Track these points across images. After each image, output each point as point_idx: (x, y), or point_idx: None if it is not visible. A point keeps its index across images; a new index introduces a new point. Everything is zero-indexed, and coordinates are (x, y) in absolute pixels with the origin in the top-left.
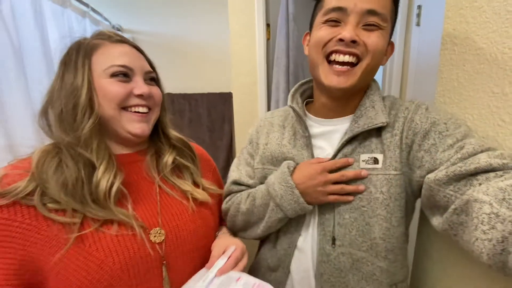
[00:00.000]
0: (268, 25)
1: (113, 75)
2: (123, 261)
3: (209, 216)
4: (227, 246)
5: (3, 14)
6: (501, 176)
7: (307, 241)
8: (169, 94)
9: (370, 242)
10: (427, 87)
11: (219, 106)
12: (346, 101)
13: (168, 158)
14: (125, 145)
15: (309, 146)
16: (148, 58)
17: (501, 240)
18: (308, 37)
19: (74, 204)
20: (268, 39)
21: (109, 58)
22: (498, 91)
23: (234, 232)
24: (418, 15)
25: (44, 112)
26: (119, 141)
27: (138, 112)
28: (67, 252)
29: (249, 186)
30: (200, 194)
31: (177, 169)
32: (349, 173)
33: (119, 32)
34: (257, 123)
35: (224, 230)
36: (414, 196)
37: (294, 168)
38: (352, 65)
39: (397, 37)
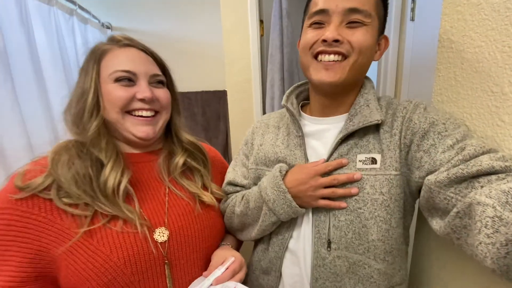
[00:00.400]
0: (261, 22)
1: (117, 80)
2: (126, 257)
3: (215, 219)
4: (226, 257)
5: None
6: (503, 178)
7: (299, 243)
8: None
9: (367, 245)
10: (422, 83)
11: (213, 104)
12: (340, 98)
13: (179, 160)
14: (134, 146)
15: (302, 145)
16: (159, 60)
17: (505, 244)
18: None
19: (85, 197)
20: (261, 36)
21: (115, 63)
22: (497, 91)
23: (233, 233)
24: (413, 10)
25: (65, 112)
26: (127, 142)
27: (142, 116)
28: (77, 245)
29: (243, 187)
30: (207, 197)
31: (188, 170)
32: (341, 176)
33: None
34: (254, 124)
35: (228, 240)
36: (412, 197)
37: (287, 171)
38: (340, 62)
39: (392, 32)
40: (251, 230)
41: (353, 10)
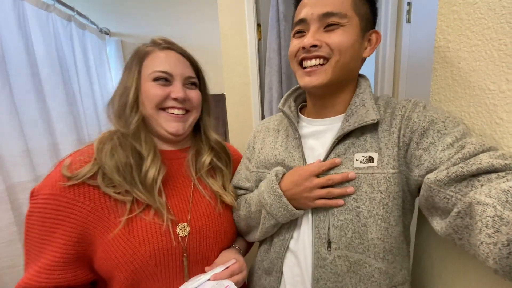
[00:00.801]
0: (259, 25)
1: (155, 79)
2: (152, 250)
3: (233, 219)
4: (230, 258)
5: None
6: (503, 177)
7: (300, 244)
8: None
9: (367, 243)
10: (420, 83)
11: (212, 107)
12: (332, 99)
13: (206, 159)
14: (166, 142)
15: (299, 147)
16: (194, 64)
17: (507, 244)
18: None
19: (125, 184)
20: (259, 40)
21: (155, 64)
22: (495, 88)
23: (241, 234)
24: (409, 12)
25: (108, 105)
26: (161, 138)
27: (174, 113)
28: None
29: (247, 190)
30: (228, 198)
31: (212, 169)
32: (335, 176)
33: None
34: (255, 128)
35: (238, 243)
36: (411, 195)
37: (284, 174)
38: (322, 65)
39: (388, 34)
40: (255, 232)
41: (327, 14)
